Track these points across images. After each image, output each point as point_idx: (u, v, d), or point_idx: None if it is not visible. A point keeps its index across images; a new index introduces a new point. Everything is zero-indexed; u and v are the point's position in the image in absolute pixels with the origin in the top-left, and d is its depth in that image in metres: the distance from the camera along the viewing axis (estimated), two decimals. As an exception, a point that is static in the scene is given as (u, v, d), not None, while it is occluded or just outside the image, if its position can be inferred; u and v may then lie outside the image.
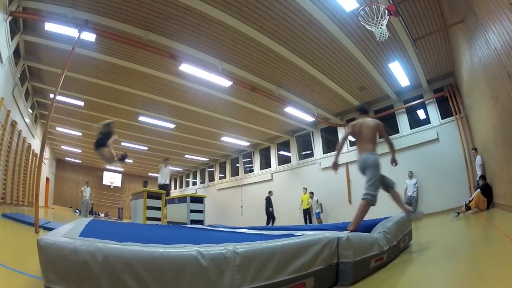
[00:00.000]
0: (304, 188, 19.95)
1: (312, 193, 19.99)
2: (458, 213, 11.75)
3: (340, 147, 6.95)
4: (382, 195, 6.32)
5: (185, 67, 12.95)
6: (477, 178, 12.15)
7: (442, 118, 15.91)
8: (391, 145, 7.49)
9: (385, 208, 7.19)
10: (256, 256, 2.93)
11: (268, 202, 20.86)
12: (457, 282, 4.01)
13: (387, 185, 6.81)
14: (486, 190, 11.20)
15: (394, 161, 7.61)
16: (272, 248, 3.13)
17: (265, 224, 19.59)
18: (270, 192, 21.26)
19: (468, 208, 11.53)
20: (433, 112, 16.28)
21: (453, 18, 9.71)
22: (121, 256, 2.30)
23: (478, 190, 11.49)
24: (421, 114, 17.12)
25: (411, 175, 15.37)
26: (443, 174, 14.29)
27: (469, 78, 11.30)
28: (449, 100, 15.26)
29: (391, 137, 16.88)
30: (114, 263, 2.26)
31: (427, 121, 16.60)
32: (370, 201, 6.05)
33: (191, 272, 2.46)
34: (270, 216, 20.51)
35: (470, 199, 11.63)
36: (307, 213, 19.46)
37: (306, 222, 19.14)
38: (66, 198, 35.03)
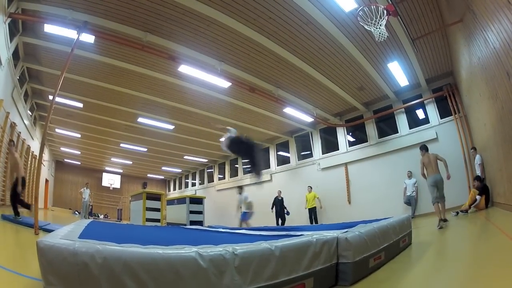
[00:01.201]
0: (309, 186, 19.77)
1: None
2: (457, 213, 11.77)
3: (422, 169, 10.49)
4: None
5: (184, 68, 12.94)
6: (474, 178, 12.24)
7: (441, 118, 15.89)
8: (446, 165, 10.34)
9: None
10: (255, 257, 2.95)
11: (276, 203, 20.53)
12: (456, 281, 4.02)
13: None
14: (484, 189, 11.27)
15: (448, 177, 10.31)
16: (271, 249, 3.13)
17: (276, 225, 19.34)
18: (279, 192, 20.95)
19: (466, 210, 11.59)
20: (432, 111, 16.26)
21: (452, 18, 9.71)
22: (120, 257, 2.31)
23: (473, 188, 11.64)
24: (420, 113, 17.11)
25: (410, 175, 15.34)
26: (442, 174, 14.31)
27: (468, 77, 11.31)
28: (448, 99, 15.23)
29: (390, 136, 17.00)
30: (113, 264, 2.27)
31: (426, 120, 16.58)
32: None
33: (190, 273, 2.47)
34: (279, 216, 20.19)
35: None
36: (312, 212, 19.29)
37: (312, 222, 19.01)
38: (65, 199, 34.90)
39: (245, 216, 17.34)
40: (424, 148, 10.77)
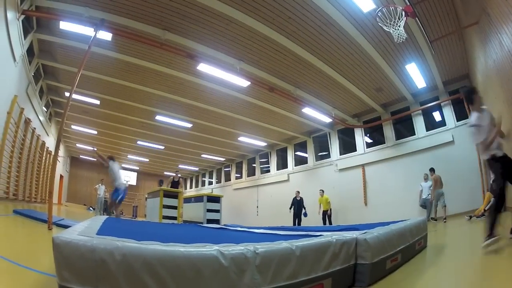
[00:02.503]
0: (321, 190, 19.70)
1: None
2: (471, 217, 11.71)
3: None
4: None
5: (203, 67, 12.96)
6: (490, 181, 12.12)
7: (457, 121, 15.73)
8: None
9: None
10: (276, 257, 2.92)
11: (295, 203, 20.62)
12: (469, 284, 4.04)
13: None
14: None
15: None
16: (292, 249, 3.10)
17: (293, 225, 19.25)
18: (297, 192, 20.85)
19: (481, 214, 11.52)
20: (449, 114, 16.13)
21: (468, 20, 9.65)
22: (140, 255, 2.29)
23: (488, 192, 11.53)
24: (436, 116, 16.99)
25: (426, 178, 15.13)
26: (457, 177, 14.14)
27: (483, 80, 11.22)
28: (464, 102, 15.13)
29: (407, 138, 16.95)
30: (132, 262, 2.25)
31: (442, 123, 16.47)
32: None
33: (211, 271, 2.45)
34: (297, 216, 20.15)
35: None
36: (325, 214, 19.22)
37: (325, 224, 18.95)
38: (80, 195, 35.39)
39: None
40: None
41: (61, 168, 28.32)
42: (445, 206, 13.45)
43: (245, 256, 2.69)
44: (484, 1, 7.27)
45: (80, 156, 35.99)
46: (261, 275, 2.75)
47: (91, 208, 29.73)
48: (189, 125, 21.66)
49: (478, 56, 10.72)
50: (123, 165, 38.34)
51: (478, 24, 8.71)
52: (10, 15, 9.67)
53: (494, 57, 8.04)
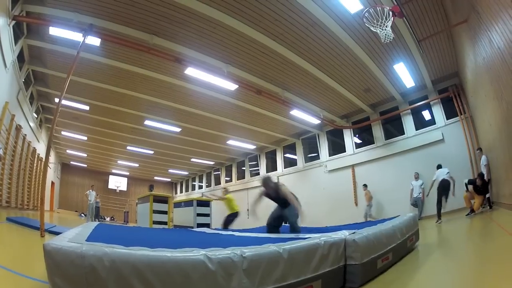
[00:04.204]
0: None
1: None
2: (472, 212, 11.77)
3: None
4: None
5: (191, 71, 12.95)
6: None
7: (447, 119, 15.84)
8: None
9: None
10: (264, 260, 2.96)
11: None
12: (462, 283, 4.03)
13: None
14: (483, 188, 11.35)
15: None
16: (280, 252, 3.14)
17: None
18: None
19: (472, 210, 11.57)
20: (438, 112, 16.22)
21: (457, 18, 9.71)
22: (128, 260, 2.32)
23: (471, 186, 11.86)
24: (426, 115, 17.07)
25: (417, 176, 15.24)
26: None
27: (473, 78, 11.28)
28: (453, 100, 15.16)
29: (397, 138, 17.03)
30: (121, 267, 2.28)
31: (432, 122, 16.54)
32: None
33: (199, 276, 2.48)
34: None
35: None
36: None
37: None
38: (71, 202, 35.11)
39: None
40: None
41: (52, 174, 28.16)
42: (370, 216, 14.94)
43: (232, 260, 2.72)
44: (474, -1, 7.31)
45: (71, 162, 35.79)
46: (249, 279, 2.78)
47: (82, 215, 29.67)
48: (178, 129, 21.61)
49: (467, 54, 10.78)
50: (114, 171, 38.33)
51: (467, 22, 8.76)
52: (1, 21, 9.65)
53: (484, 54, 8.09)
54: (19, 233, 8.52)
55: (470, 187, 12.12)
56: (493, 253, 5.15)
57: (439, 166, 13.82)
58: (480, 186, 11.48)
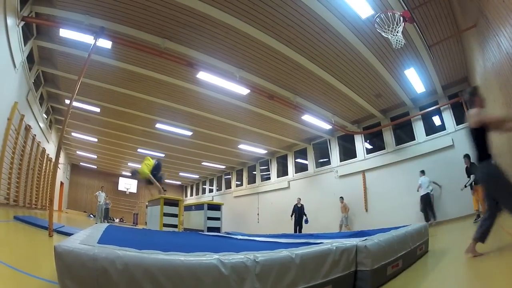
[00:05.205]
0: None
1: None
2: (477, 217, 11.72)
3: None
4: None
5: (203, 75, 12.97)
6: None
7: (457, 124, 15.71)
8: None
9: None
10: (276, 265, 2.95)
11: (296, 210, 20.62)
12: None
13: None
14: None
15: None
16: (292, 257, 3.13)
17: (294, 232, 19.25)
18: (298, 200, 20.83)
19: (478, 216, 11.53)
20: (448, 118, 16.11)
21: (466, 23, 9.66)
22: (141, 264, 2.32)
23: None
24: (436, 120, 16.96)
25: (423, 173, 15.22)
26: (458, 181, 14.09)
27: (482, 83, 11.20)
28: (463, 106, 15.11)
29: (407, 144, 16.96)
30: (134, 271, 2.28)
31: (442, 127, 16.43)
32: None
33: (212, 280, 2.47)
34: (298, 224, 20.22)
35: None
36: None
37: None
38: (80, 202, 35.39)
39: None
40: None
41: (61, 175, 28.37)
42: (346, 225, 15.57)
43: (245, 264, 2.71)
44: (482, 4, 7.29)
45: (81, 163, 36.00)
46: (261, 283, 2.77)
47: (91, 215, 29.81)
48: (190, 133, 21.66)
49: (476, 59, 10.72)
50: (124, 173, 38.41)
51: (476, 27, 8.73)
52: (10, 21, 9.67)
53: (493, 59, 8.05)
54: (26, 232, 8.47)
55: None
56: (501, 261, 5.13)
57: (422, 172, 13.79)
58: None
